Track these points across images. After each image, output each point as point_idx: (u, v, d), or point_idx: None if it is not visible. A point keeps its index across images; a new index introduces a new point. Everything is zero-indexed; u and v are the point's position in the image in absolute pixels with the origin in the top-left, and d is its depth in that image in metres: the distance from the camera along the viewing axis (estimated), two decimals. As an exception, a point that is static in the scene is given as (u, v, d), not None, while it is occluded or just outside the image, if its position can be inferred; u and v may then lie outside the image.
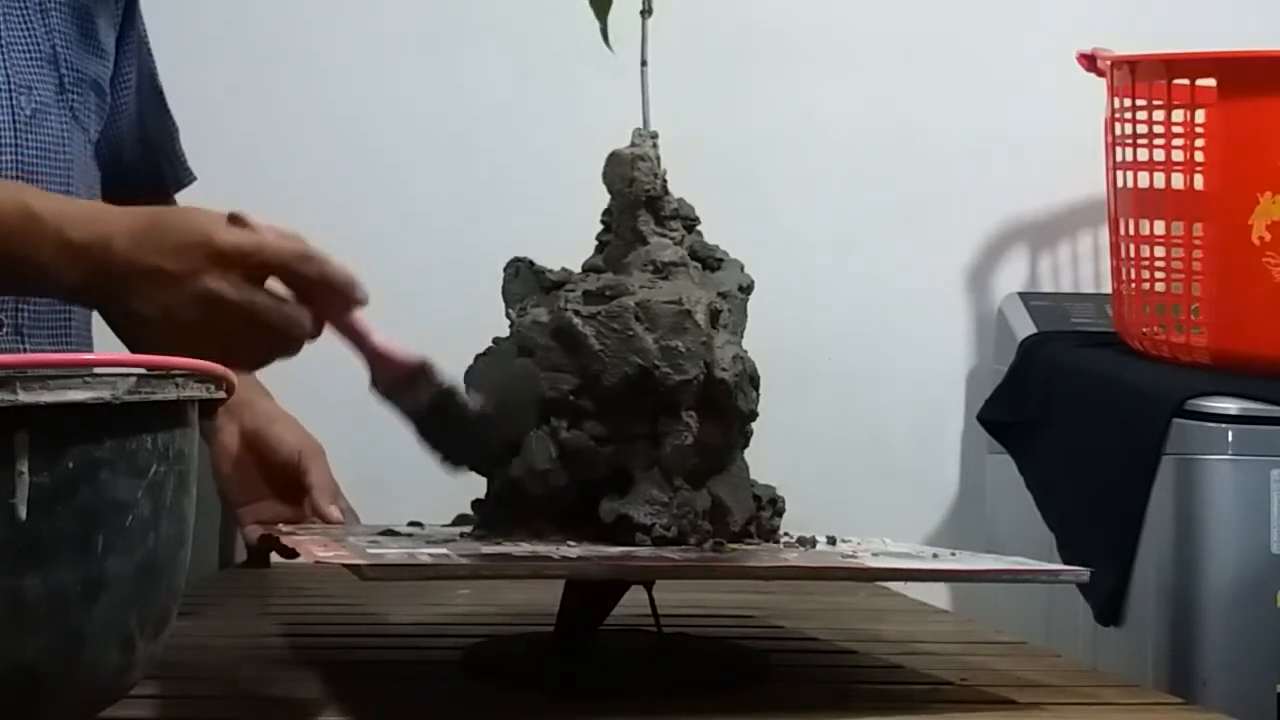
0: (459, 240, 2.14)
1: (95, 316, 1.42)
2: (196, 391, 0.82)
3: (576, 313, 1.04)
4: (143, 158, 1.49)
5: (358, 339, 1.05)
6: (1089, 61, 1.96)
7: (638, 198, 1.10)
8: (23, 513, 0.74)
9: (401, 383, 1.05)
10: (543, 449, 1.04)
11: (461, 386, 1.07)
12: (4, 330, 1.29)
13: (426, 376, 1.05)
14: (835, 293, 2.21)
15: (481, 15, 2.18)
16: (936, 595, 2.11)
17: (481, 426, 1.06)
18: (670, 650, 1.10)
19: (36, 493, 0.74)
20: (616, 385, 1.03)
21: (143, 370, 0.79)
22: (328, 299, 1.02)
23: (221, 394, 0.85)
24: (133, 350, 1.01)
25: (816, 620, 1.28)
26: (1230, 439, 1.67)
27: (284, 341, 1.02)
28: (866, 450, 2.24)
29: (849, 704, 1.03)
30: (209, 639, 1.16)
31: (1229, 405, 1.69)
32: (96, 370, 0.79)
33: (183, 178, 1.55)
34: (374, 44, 2.19)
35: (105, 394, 0.76)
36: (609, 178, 1.11)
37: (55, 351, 1.28)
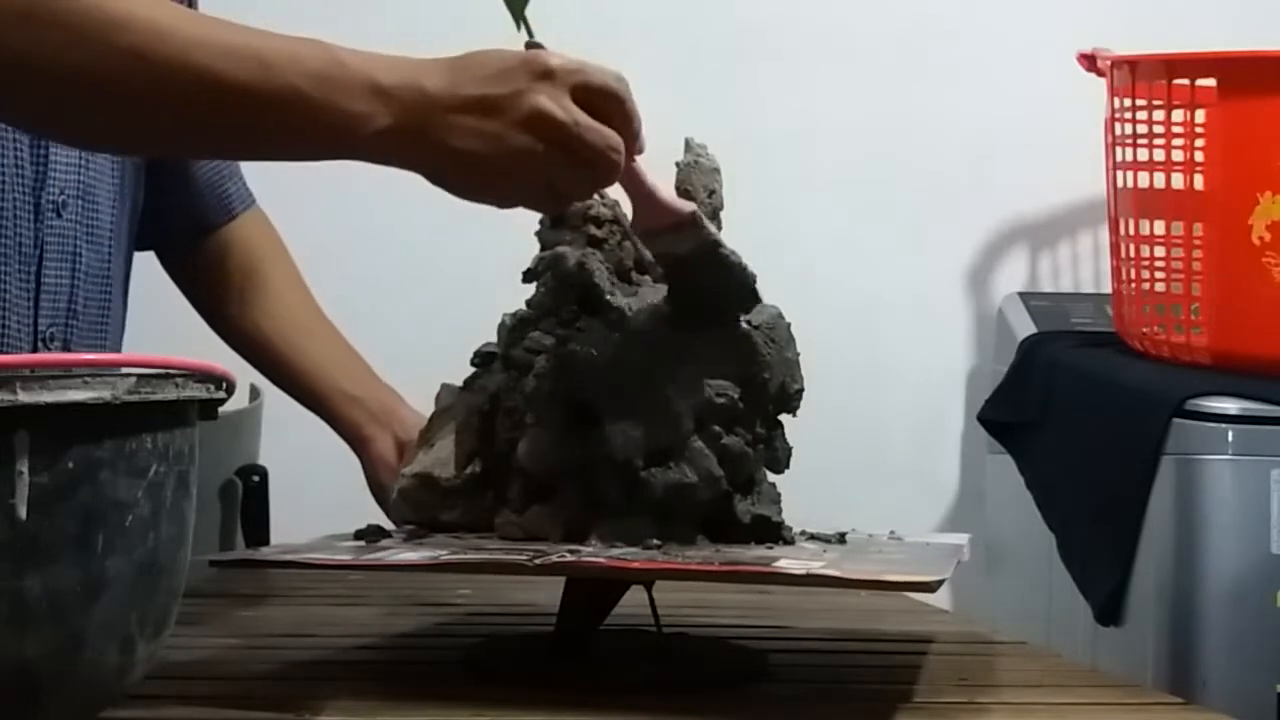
0: (456, 239, 2.13)
1: (127, 328, 1.41)
2: (196, 391, 0.82)
3: (748, 323, 1.07)
4: (212, 173, 1.48)
5: (634, 180, 1.03)
6: (1089, 61, 1.96)
7: (716, 208, 1.13)
8: (23, 513, 0.74)
9: (665, 229, 1.05)
10: (710, 455, 1.05)
11: (722, 240, 1.06)
12: (55, 343, 1.28)
13: (693, 227, 1.05)
14: (835, 293, 2.21)
15: (471, 15, 2.18)
16: (937, 595, 2.11)
17: (744, 276, 1.06)
18: (670, 650, 1.11)
19: (36, 493, 0.74)
20: (774, 394, 1.08)
21: (143, 370, 0.79)
22: (627, 132, 0.99)
23: (222, 394, 0.85)
24: (461, 195, 0.99)
25: (816, 620, 1.28)
26: (1230, 439, 1.67)
27: (604, 169, 0.98)
28: (866, 450, 2.24)
29: (849, 704, 1.03)
30: (209, 639, 1.16)
31: (1229, 405, 1.69)
32: (97, 370, 0.79)
33: (246, 198, 1.52)
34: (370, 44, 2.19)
35: (105, 394, 0.76)
36: (692, 186, 1.13)
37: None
